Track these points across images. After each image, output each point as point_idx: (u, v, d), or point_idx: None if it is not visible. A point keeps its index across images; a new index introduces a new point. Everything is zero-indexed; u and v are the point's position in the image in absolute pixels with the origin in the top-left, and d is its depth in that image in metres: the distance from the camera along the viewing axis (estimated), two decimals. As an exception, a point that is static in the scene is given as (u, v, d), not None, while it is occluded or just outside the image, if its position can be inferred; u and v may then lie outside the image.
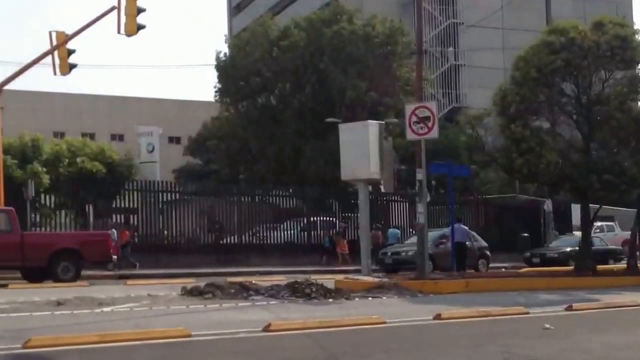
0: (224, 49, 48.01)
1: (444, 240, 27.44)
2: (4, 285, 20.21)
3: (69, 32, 24.91)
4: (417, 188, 20.65)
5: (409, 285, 18.52)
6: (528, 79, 22.83)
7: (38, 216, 28.41)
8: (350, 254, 31.45)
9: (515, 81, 23.33)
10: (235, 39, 49.88)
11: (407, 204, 36.75)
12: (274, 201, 35.21)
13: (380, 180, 25.76)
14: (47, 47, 24.85)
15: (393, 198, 38.08)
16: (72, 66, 24.75)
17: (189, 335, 10.68)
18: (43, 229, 28.29)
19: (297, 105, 43.78)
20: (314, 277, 18.73)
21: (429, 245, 27.94)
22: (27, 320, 12.48)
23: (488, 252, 29.46)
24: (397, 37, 43.68)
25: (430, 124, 19.64)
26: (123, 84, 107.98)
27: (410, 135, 20.20)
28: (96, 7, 56.71)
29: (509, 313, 14.21)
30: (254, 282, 18.14)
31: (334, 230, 33.93)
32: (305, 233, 34.41)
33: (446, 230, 28.61)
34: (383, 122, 24.87)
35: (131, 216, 30.97)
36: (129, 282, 22.03)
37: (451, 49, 60.56)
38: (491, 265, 29.85)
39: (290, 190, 36.43)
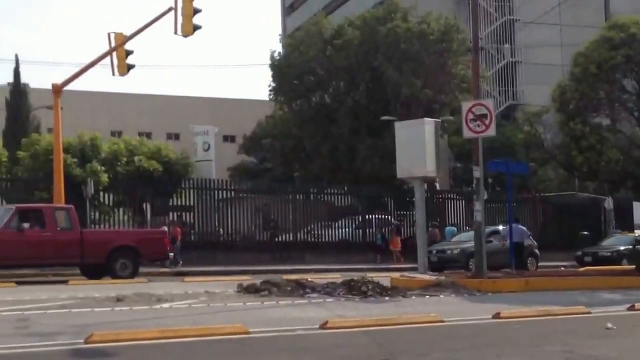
0: (278, 48, 48.31)
1: (491, 239, 27.22)
2: (65, 282, 20.62)
3: (126, 33, 25.21)
4: (474, 186, 20.46)
5: (466, 284, 18.35)
6: (588, 75, 22.51)
7: (97, 214, 28.86)
8: (403, 252, 31.31)
9: (575, 77, 23.01)
10: (289, 38, 50.05)
11: (462, 201, 36.52)
12: (329, 199, 35.23)
13: (436, 178, 25.58)
14: (105, 48, 25.19)
15: (449, 196, 37.83)
16: (130, 67, 24.98)
17: (247, 332, 10.71)
18: (102, 226, 28.73)
19: (352, 104, 43.76)
20: (369, 275, 18.69)
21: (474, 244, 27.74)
22: (88, 316, 12.66)
23: (537, 251, 29.17)
24: (452, 34, 43.36)
25: (487, 122, 19.44)
26: (178, 84, 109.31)
27: (467, 133, 20.01)
28: (153, 9, 57.31)
29: (570, 312, 13.97)
30: (309, 279, 18.16)
31: (387, 228, 33.82)
32: (360, 231, 34.37)
33: (495, 228, 28.42)
34: (439, 119, 24.67)
35: (187, 214, 31.31)
36: (186, 279, 22.26)
37: (507, 45, 59.89)
38: (550, 263, 29.45)
39: (345, 188, 36.43)
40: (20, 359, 8.92)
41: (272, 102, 48.38)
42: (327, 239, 33.42)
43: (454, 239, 29.94)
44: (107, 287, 18.35)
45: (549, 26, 56.10)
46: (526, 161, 33.25)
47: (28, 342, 9.81)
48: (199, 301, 15.16)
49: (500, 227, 28.76)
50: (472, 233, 29.44)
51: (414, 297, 16.44)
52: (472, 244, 27.77)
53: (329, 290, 16.59)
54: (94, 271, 22.27)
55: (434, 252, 28.09)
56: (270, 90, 46.93)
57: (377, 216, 34.85)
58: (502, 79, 59.98)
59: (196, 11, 23.72)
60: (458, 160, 44.44)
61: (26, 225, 21.17)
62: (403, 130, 21.82)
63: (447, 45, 43.21)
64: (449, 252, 27.75)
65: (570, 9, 56.95)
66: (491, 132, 19.82)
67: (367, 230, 34.22)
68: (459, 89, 42.53)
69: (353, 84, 44.21)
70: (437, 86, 42.15)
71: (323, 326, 11.40)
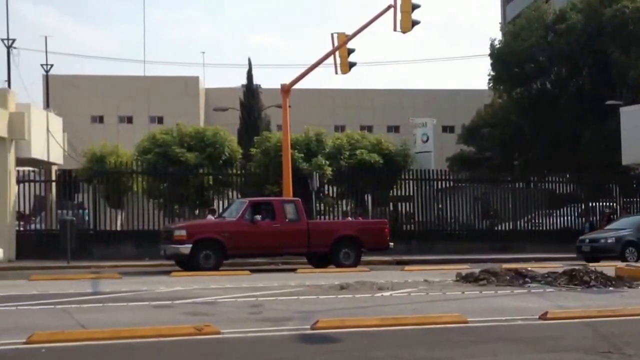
0: (498, 36, 47.59)
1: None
2: (293, 270, 21.75)
3: (344, 31, 25.90)
4: None
5: (698, 273, 17.34)
6: None
7: (322, 205, 30.07)
8: None
9: None
10: (510, 26, 49.19)
11: (695, 186, 34.30)
12: (550, 187, 34.37)
13: (665, 162, 24.30)
14: (328, 48, 25.96)
15: (680, 180, 35.58)
16: (352, 65, 25.59)
17: (465, 322, 10.90)
18: (326, 217, 29.88)
19: (574, 89, 42.36)
20: (591, 265, 18.20)
21: (632, 232, 25.70)
22: (314, 303, 13.41)
23: None
24: (685, 10, 40.68)
25: None
26: (397, 77, 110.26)
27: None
28: (371, 6, 58.33)
29: None
30: (529, 268, 17.98)
31: (594, 217, 32.43)
32: (583, 219, 33.23)
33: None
34: (668, 102, 23.43)
35: (407, 204, 31.83)
36: (406, 267, 22.62)
37: None
38: None
39: (567, 176, 35.34)
40: (253, 342, 9.66)
41: (491, 91, 47.84)
42: (547, 228, 32.68)
43: (610, 226, 28.03)
44: (331, 276, 19.16)
45: None
46: None
47: (260, 327, 10.62)
48: (418, 290, 15.52)
49: None
50: (629, 219, 27.58)
51: (640, 288, 15.89)
52: (629, 231, 25.93)
53: (549, 279, 16.38)
54: (319, 260, 23.30)
55: (587, 241, 26.32)
56: (489, 79, 46.48)
57: (600, 203, 33.55)
58: None
59: (414, 7, 23.94)
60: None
61: (258, 217, 22.43)
62: (630, 115, 21.07)
63: (680, 23, 40.58)
64: (602, 241, 25.85)
65: None
66: None
67: (591, 218, 33.04)
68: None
69: (576, 69, 42.77)
70: (667, 67, 39.74)
71: (543, 316, 11.37)
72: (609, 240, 25.41)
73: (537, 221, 32.81)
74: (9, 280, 18.48)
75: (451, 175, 34.76)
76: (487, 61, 45.96)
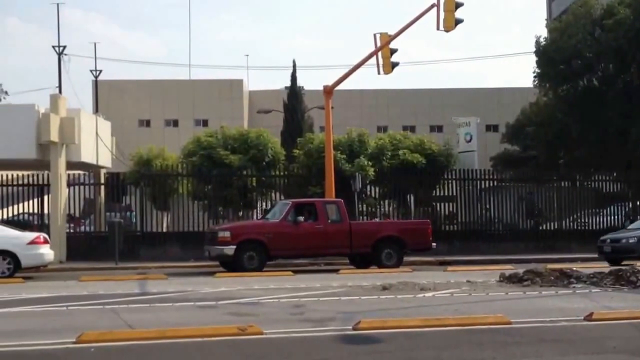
0: (543, 33, 46.99)
1: None
2: (336, 270, 21.84)
3: (385, 30, 25.89)
4: None
5: None
6: None
7: (364, 206, 30.10)
8: None
9: None
10: (555, 22, 48.63)
11: None
12: (596, 185, 33.95)
13: None
14: (370, 48, 26.00)
15: None
16: (394, 65, 25.59)
17: (509, 323, 10.89)
18: (368, 218, 29.91)
19: (622, 86, 41.71)
20: (639, 265, 17.97)
21: None
22: (356, 304, 13.49)
23: None
24: None
25: None
26: (440, 77, 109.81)
27: None
28: (413, 5, 58.11)
29: None
30: (574, 269, 17.82)
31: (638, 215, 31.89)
32: (625, 217, 32.72)
33: None
34: None
35: (450, 204, 31.69)
36: (449, 268, 22.58)
37: None
38: None
39: (614, 174, 34.79)
40: (295, 342, 9.79)
41: (535, 89, 47.34)
42: (594, 227, 32.20)
43: (631, 226, 27.03)
44: (374, 276, 19.22)
45: None
46: None
47: (302, 327, 10.74)
48: (460, 290, 15.50)
49: None
50: None
51: (688, 288, 15.65)
52: None
53: (595, 280, 16.23)
54: (361, 261, 23.33)
55: (608, 241, 25.15)
56: (534, 77, 46.01)
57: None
58: None
59: (458, 5, 23.85)
60: None
61: (301, 218, 22.58)
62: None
63: None
64: (623, 241, 24.71)
65: None
66: None
67: (638, 216, 32.49)
68: None
69: (624, 66, 42.06)
70: None
71: (588, 317, 11.30)
72: (631, 240, 24.44)
73: (583, 220, 32.38)
74: (60, 281, 18.99)
75: (495, 174, 34.51)
76: (532, 59, 45.57)
